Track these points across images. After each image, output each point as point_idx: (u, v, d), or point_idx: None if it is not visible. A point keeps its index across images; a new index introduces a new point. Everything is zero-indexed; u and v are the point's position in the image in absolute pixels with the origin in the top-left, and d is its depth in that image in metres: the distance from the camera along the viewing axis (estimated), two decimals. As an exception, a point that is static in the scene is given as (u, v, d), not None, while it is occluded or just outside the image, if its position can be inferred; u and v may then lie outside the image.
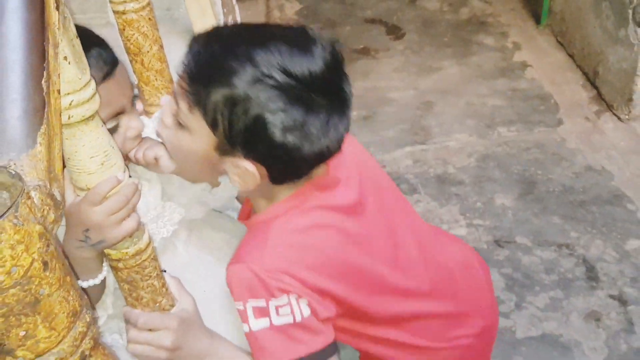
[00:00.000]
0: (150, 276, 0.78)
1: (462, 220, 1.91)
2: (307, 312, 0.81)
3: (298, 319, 0.80)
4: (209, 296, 1.00)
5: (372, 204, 0.92)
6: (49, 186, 0.47)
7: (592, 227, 1.83)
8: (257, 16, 3.10)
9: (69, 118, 0.61)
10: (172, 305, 0.84)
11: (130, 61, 0.96)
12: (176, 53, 1.23)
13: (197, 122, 0.78)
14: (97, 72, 0.76)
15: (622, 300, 1.63)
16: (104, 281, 0.78)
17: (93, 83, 0.62)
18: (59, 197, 0.49)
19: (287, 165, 0.78)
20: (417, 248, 0.99)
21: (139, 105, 0.97)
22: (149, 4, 0.92)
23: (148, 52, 0.94)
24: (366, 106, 2.47)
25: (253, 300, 0.80)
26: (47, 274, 0.44)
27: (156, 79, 0.97)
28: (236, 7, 1.78)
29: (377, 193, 0.95)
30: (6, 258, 0.41)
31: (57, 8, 0.54)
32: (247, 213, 0.97)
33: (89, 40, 0.73)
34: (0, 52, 0.48)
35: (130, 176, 0.71)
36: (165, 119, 0.83)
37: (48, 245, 0.44)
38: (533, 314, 1.63)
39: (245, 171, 0.79)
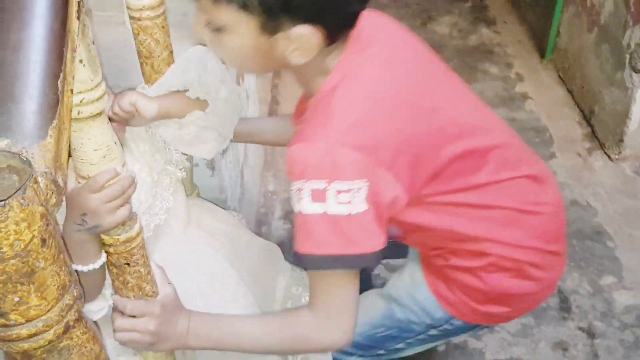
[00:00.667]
0: (138, 263, 0.85)
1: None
2: (363, 207, 0.78)
3: (353, 211, 0.78)
4: (202, 282, 1.06)
5: (417, 61, 0.92)
6: (54, 173, 0.54)
7: (571, 260, 1.89)
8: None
9: (78, 114, 0.68)
10: (155, 292, 0.90)
11: (141, 63, 1.03)
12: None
13: (228, 15, 0.76)
14: None
15: (590, 333, 1.69)
16: (103, 270, 0.84)
17: (104, 84, 0.69)
18: (61, 184, 0.56)
19: (338, 10, 0.76)
20: (478, 105, 0.97)
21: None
22: (163, 12, 0.99)
23: (158, 56, 1.01)
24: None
25: (314, 181, 0.78)
26: (44, 249, 0.51)
27: (162, 81, 1.05)
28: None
29: (416, 53, 0.94)
30: (10, 232, 0.47)
31: (78, 17, 0.61)
32: (301, 111, 0.96)
33: None
34: (26, 53, 0.55)
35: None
36: (204, 36, 0.82)
37: (47, 225, 0.51)
38: (504, 337, 1.69)
39: (301, 38, 0.76)
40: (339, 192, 0.77)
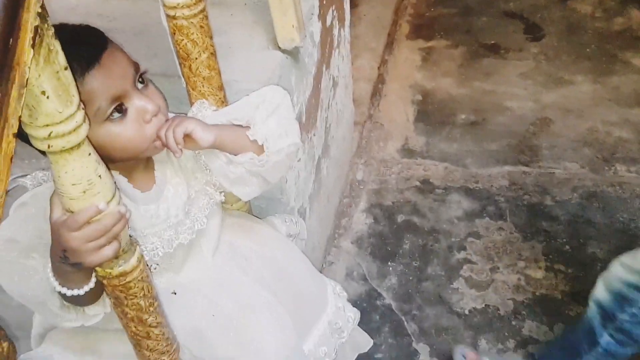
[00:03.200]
0: (136, 296, 0.78)
1: (543, 261, 1.75)
2: None
3: None
4: (232, 311, 0.99)
5: None
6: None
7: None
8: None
9: (48, 147, 0.61)
10: (159, 323, 0.84)
11: (179, 64, 0.94)
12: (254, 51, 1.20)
13: None
14: (75, 69, 0.67)
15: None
16: (95, 289, 0.78)
17: (79, 115, 0.61)
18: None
19: None
20: None
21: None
22: (202, 10, 0.88)
23: (196, 59, 0.91)
24: (477, 110, 2.31)
25: None
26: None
27: (203, 86, 0.95)
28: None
29: None
30: None
31: (34, 45, 0.53)
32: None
33: (63, 39, 0.69)
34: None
35: (122, 204, 0.70)
36: None
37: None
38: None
39: None
40: None
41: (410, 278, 1.75)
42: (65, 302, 0.81)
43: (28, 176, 0.84)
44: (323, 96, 1.54)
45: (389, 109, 2.39)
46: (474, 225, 1.89)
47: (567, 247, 1.78)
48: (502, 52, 2.61)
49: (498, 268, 1.75)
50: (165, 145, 0.84)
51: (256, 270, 1.05)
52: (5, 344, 0.54)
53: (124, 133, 0.80)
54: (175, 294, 0.95)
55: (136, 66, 0.82)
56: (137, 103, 0.81)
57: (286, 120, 0.95)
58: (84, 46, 0.76)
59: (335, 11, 1.57)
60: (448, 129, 2.26)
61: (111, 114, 0.79)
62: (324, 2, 1.45)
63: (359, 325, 1.23)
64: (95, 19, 1.47)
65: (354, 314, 1.19)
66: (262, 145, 0.90)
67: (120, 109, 0.80)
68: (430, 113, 2.35)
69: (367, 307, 1.68)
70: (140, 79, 0.83)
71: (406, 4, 2.99)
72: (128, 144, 0.82)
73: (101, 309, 0.85)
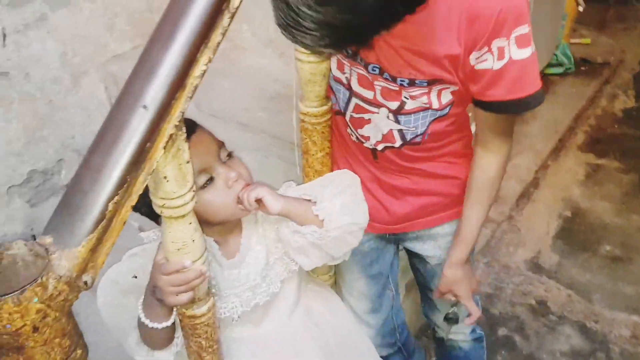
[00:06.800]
0: (200, 336, 0.95)
1: None
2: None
3: (534, 50, 0.92)
4: None
5: None
6: (74, 276, 0.66)
7: None
8: (579, 99, 2.94)
9: (161, 212, 0.80)
10: (215, 362, 1.00)
11: (300, 154, 1.11)
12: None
13: None
14: None
15: None
16: (171, 330, 0.96)
17: (188, 195, 0.79)
18: (88, 283, 0.68)
19: None
20: None
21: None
22: (326, 120, 1.04)
23: (313, 155, 1.07)
24: (625, 246, 2.20)
25: (524, 26, 0.89)
26: (35, 334, 0.64)
27: (314, 176, 1.11)
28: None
29: None
30: (4, 319, 0.61)
31: (165, 147, 0.72)
32: None
33: None
34: (99, 174, 0.67)
35: (205, 263, 0.87)
36: None
37: (45, 317, 0.64)
38: None
39: None
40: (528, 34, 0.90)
41: (488, 394, 1.74)
42: (141, 340, 0.99)
43: (148, 232, 1.05)
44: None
45: (532, 216, 2.36)
46: (576, 365, 1.81)
47: None
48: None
49: (583, 419, 1.67)
50: (243, 205, 0.98)
51: (323, 335, 1.17)
52: (79, 351, 0.73)
53: (214, 198, 0.97)
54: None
55: (220, 143, 0.99)
56: (220, 172, 0.98)
57: (352, 201, 1.05)
58: None
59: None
60: (587, 256, 2.18)
61: (202, 183, 0.95)
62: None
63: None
64: (272, 82, 1.71)
65: None
66: (323, 220, 1.02)
67: (209, 178, 0.97)
68: (574, 233, 2.28)
69: (435, 406, 1.71)
70: (227, 155, 1.00)
71: (590, 114, 2.92)
72: (218, 207, 0.98)
73: (167, 356, 1.01)
